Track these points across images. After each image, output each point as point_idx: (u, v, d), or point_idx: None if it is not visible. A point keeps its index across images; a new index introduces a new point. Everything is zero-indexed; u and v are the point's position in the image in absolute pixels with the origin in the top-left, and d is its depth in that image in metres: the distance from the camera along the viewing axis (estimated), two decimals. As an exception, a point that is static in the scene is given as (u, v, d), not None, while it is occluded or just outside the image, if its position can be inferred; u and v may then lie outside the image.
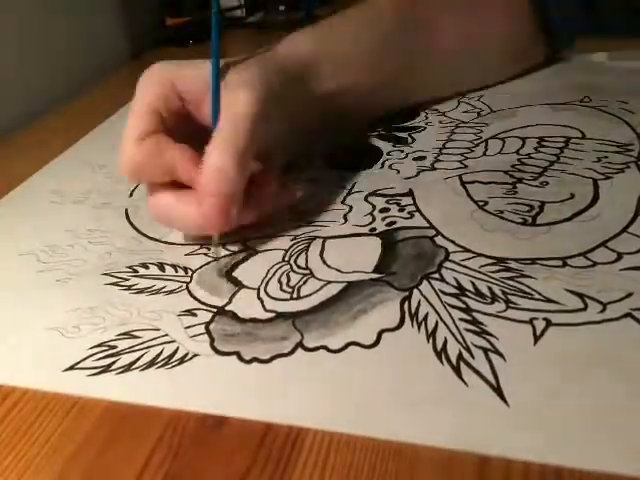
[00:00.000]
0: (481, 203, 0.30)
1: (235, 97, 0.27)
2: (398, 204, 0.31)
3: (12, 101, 0.53)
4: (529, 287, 0.24)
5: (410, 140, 0.38)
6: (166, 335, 0.25)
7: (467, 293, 0.25)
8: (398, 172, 0.34)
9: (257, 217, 0.30)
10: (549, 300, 0.24)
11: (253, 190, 0.28)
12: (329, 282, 0.26)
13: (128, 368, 0.23)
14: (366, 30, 0.36)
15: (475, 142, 0.36)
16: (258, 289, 0.27)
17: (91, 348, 0.25)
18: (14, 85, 0.54)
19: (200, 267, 0.29)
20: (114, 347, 0.25)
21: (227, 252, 0.29)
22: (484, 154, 0.35)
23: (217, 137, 0.27)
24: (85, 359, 0.24)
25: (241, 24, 0.76)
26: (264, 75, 0.29)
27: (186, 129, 0.29)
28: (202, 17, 0.68)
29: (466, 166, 0.34)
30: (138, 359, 0.24)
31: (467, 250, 0.27)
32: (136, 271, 0.29)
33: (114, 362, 0.24)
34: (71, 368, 0.24)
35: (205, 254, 0.30)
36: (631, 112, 0.37)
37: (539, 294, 0.24)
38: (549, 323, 0.23)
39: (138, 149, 0.28)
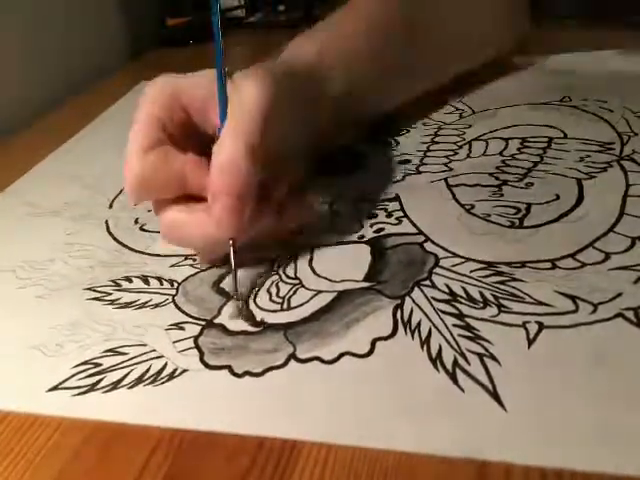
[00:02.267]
0: (468, 207, 0.30)
1: (243, 91, 0.25)
2: (385, 210, 0.31)
3: (12, 101, 0.52)
4: (520, 290, 0.24)
5: (394, 143, 0.38)
6: (153, 350, 0.24)
7: (459, 299, 0.24)
8: (384, 176, 0.34)
9: (273, 230, 0.27)
10: (540, 303, 0.24)
11: (268, 198, 0.26)
12: (319, 292, 0.26)
13: (115, 386, 0.23)
14: (363, 23, 0.35)
15: (459, 144, 0.36)
16: (247, 300, 0.26)
17: (75, 367, 0.24)
18: (14, 85, 0.53)
19: (186, 279, 0.28)
20: (99, 365, 0.24)
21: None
22: (468, 156, 0.35)
23: (226, 131, 0.25)
24: (69, 378, 0.23)
25: (241, 24, 0.76)
26: (272, 75, 0.27)
27: (192, 142, 0.27)
28: (202, 17, 0.67)
29: (451, 169, 0.34)
30: (125, 376, 0.23)
31: (457, 255, 0.27)
32: (119, 285, 0.28)
33: (100, 380, 0.23)
34: (55, 388, 0.23)
35: (191, 265, 0.29)
36: (610, 111, 0.37)
37: (530, 297, 0.24)
38: (542, 326, 0.23)
39: (144, 162, 0.25)
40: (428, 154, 0.36)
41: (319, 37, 0.34)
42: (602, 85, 0.40)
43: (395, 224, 0.30)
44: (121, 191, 0.38)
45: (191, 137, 0.28)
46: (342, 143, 0.36)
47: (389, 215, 0.30)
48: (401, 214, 0.30)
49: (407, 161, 0.35)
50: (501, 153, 0.34)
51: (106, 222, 0.34)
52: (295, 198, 0.29)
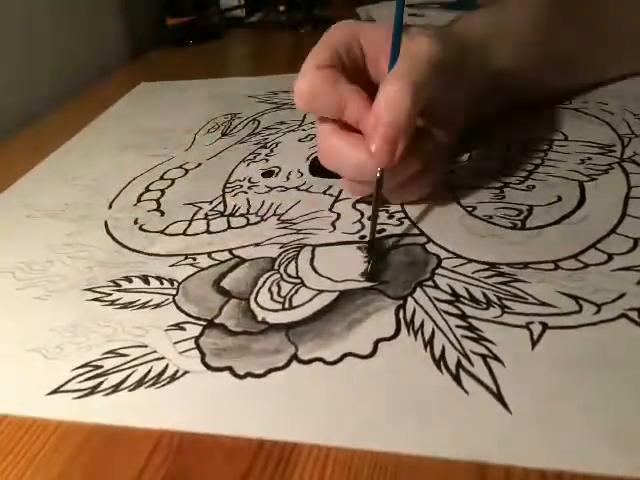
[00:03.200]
0: (469, 208, 0.30)
1: (416, 41, 0.27)
2: (387, 211, 0.31)
3: (12, 101, 0.52)
4: (523, 291, 0.24)
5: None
6: (154, 352, 0.24)
7: (462, 299, 0.24)
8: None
9: (419, 169, 0.29)
10: (544, 303, 0.24)
11: (419, 147, 0.28)
12: (321, 291, 0.26)
13: (116, 389, 0.22)
14: (539, 13, 0.36)
15: (461, 146, 0.36)
16: (248, 299, 0.26)
17: (75, 369, 0.24)
18: (14, 85, 0.53)
19: (186, 278, 0.28)
20: (100, 367, 0.24)
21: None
22: (470, 158, 0.35)
23: (393, 72, 0.27)
24: (69, 381, 0.23)
25: (241, 24, 0.76)
26: (444, 36, 0.29)
27: (360, 82, 0.29)
28: (202, 17, 0.67)
29: (452, 171, 0.34)
30: (126, 379, 0.23)
31: (459, 256, 0.27)
32: (119, 285, 0.28)
33: (101, 383, 0.23)
34: (55, 391, 0.23)
35: (191, 264, 0.29)
36: (611, 113, 0.37)
37: (534, 298, 0.24)
38: (545, 327, 0.23)
39: (316, 74, 0.28)
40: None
41: (491, 17, 0.36)
42: (602, 87, 0.40)
43: (397, 225, 0.30)
44: (120, 192, 0.37)
45: (360, 78, 0.29)
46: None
47: (390, 216, 0.30)
48: (402, 215, 0.30)
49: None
50: (503, 155, 0.34)
51: (105, 223, 0.34)
52: (436, 162, 0.30)
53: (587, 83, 0.41)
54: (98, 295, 0.28)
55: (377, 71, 0.29)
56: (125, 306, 0.27)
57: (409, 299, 0.25)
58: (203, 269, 0.28)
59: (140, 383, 0.23)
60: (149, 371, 0.23)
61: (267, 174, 0.37)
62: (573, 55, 0.37)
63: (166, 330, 0.25)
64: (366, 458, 0.19)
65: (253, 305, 0.26)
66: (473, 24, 0.34)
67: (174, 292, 0.27)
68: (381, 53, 0.28)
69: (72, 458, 0.20)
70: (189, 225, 0.33)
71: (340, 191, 0.33)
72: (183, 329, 0.25)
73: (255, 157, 0.39)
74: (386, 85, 0.26)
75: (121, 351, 0.24)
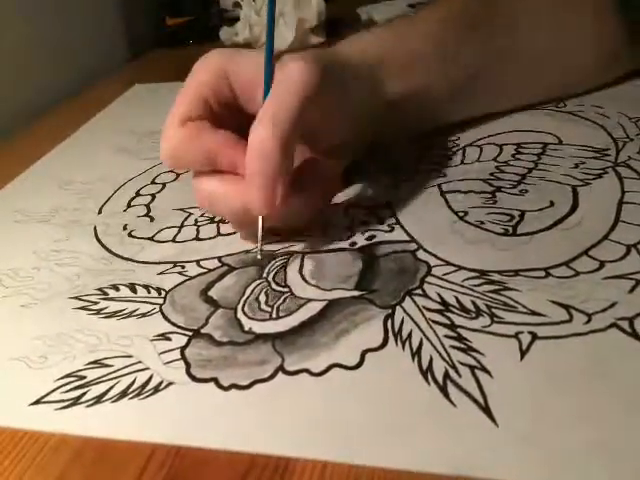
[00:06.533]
0: (461, 214, 0.30)
1: (288, 69, 0.26)
2: (377, 216, 0.30)
3: (12, 101, 0.52)
4: (513, 300, 0.24)
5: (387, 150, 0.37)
6: (139, 362, 0.24)
7: (451, 308, 0.24)
8: (376, 183, 0.34)
9: (305, 206, 0.28)
10: (534, 313, 0.23)
11: (303, 175, 0.27)
12: (309, 300, 0.25)
13: (98, 400, 0.22)
14: (438, 30, 0.34)
15: (453, 150, 0.36)
16: (235, 309, 0.26)
17: (59, 379, 0.23)
18: (14, 85, 0.53)
19: (174, 287, 0.28)
20: (83, 377, 0.23)
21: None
22: (462, 162, 0.34)
23: (262, 113, 0.25)
24: (52, 391, 0.23)
25: None
26: (321, 60, 0.27)
27: (234, 123, 0.28)
28: (202, 17, 0.67)
29: (445, 175, 0.33)
30: (109, 390, 0.23)
31: (449, 264, 0.26)
32: (106, 293, 0.28)
33: (83, 394, 0.22)
34: (37, 402, 0.22)
35: (179, 273, 0.29)
36: (606, 117, 0.37)
37: (524, 307, 0.24)
38: (535, 336, 0.22)
39: (178, 132, 0.27)
40: (422, 160, 0.35)
41: (383, 35, 0.33)
42: (598, 90, 0.40)
43: (387, 231, 0.29)
44: (110, 197, 0.37)
45: (234, 115, 0.28)
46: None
47: (381, 222, 0.30)
48: (393, 221, 0.30)
49: (400, 167, 0.35)
50: (495, 159, 0.34)
51: (95, 228, 0.34)
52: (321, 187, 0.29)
53: (501, 109, 0.37)
54: (84, 304, 0.27)
55: (251, 105, 0.28)
56: (111, 315, 0.26)
57: (398, 308, 0.24)
58: (191, 278, 0.28)
59: (123, 394, 0.22)
60: (133, 382, 0.23)
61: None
62: (480, 72, 0.34)
63: (152, 340, 0.25)
64: (363, 473, 0.19)
65: (240, 315, 0.25)
66: (361, 43, 0.32)
67: (161, 301, 0.27)
68: (254, 87, 0.27)
69: (58, 473, 0.20)
70: (179, 231, 0.32)
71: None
72: (169, 339, 0.25)
73: (247, 161, 0.39)
74: (254, 131, 0.25)
75: (106, 361, 0.24)
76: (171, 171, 0.39)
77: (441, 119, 0.36)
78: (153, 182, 0.38)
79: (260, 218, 0.27)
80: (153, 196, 0.36)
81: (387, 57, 0.31)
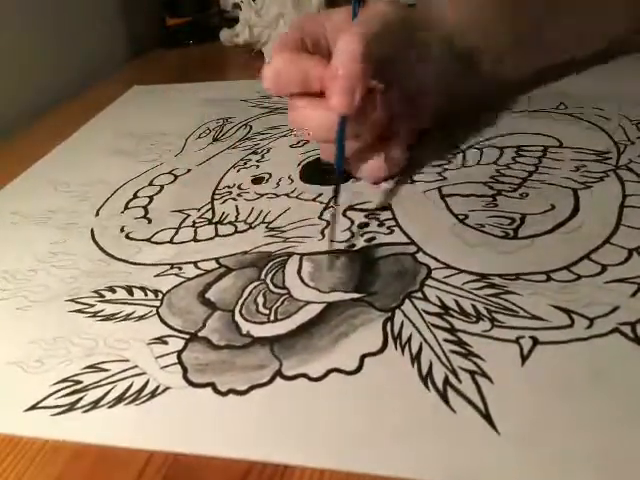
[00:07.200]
0: (461, 217, 0.29)
1: (372, 5, 0.30)
2: (377, 219, 0.30)
3: (12, 101, 0.51)
4: (514, 304, 0.24)
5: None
6: (135, 366, 0.23)
7: (451, 312, 0.24)
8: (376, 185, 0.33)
9: (402, 152, 0.32)
10: (535, 317, 0.23)
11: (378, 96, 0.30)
12: (308, 302, 0.25)
13: (95, 405, 0.22)
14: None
15: (453, 152, 0.35)
16: (233, 311, 0.25)
17: (55, 384, 0.23)
18: (14, 86, 0.52)
19: (171, 289, 0.27)
20: (79, 382, 0.23)
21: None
22: (463, 165, 0.34)
23: (349, 27, 0.29)
24: (48, 397, 0.22)
25: None
26: (400, 7, 0.32)
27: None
28: (202, 17, 0.67)
29: (445, 178, 0.33)
30: (105, 395, 0.22)
31: (449, 267, 0.26)
32: (102, 296, 0.28)
33: (80, 399, 0.22)
34: (33, 407, 0.22)
35: (176, 274, 0.28)
36: (607, 119, 0.36)
37: (525, 311, 0.23)
38: (536, 341, 0.22)
39: (279, 56, 0.30)
40: (422, 162, 0.35)
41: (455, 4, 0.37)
42: (598, 92, 0.39)
43: (387, 233, 0.29)
44: (108, 198, 0.37)
45: (326, 58, 0.31)
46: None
47: (381, 224, 0.30)
48: (393, 223, 0.30)
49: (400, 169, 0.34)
50: (496, 162, 0.34)
51: (92, 230, 0.33)
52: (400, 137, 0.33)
53: (558, 61, 0.41)
54: (81, 306, 0.27)
55: None
56: (108, 318, 0.26)
57: (397, 312, 0.24)
58: (189, 279, 0.28)
59: (120, 400, 0.22)
60: (129, 387, 0.22)
61: (257, 180, 0.36)
62: (543, 24, 0.38)
63: (148, 344, 0.24)
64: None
65: (238, 317, 0.25)
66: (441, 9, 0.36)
67: (158, 304, 0.27)
68: (343, 30, 0.30)
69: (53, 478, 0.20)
70: (176, 233, 0.32)
71: (330, 199, 0.33)
72: (166, 343, 0.24)
73: (246, 163, 0.39)
74: (341, 38, 0.28)
75: (102, 365, 0.24)
76: (169, 173, 0.39)
77: (501, 74, 0.38)
78: (151, 184, 0.38)
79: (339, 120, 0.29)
80: (151, 198, 0.36)
81: (460, 24, 0.35)
